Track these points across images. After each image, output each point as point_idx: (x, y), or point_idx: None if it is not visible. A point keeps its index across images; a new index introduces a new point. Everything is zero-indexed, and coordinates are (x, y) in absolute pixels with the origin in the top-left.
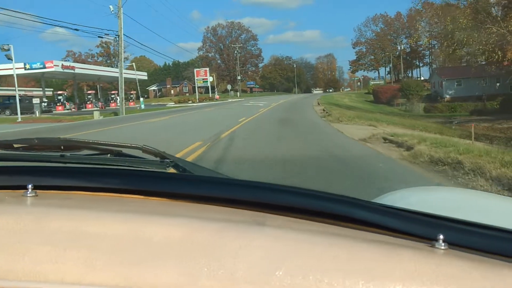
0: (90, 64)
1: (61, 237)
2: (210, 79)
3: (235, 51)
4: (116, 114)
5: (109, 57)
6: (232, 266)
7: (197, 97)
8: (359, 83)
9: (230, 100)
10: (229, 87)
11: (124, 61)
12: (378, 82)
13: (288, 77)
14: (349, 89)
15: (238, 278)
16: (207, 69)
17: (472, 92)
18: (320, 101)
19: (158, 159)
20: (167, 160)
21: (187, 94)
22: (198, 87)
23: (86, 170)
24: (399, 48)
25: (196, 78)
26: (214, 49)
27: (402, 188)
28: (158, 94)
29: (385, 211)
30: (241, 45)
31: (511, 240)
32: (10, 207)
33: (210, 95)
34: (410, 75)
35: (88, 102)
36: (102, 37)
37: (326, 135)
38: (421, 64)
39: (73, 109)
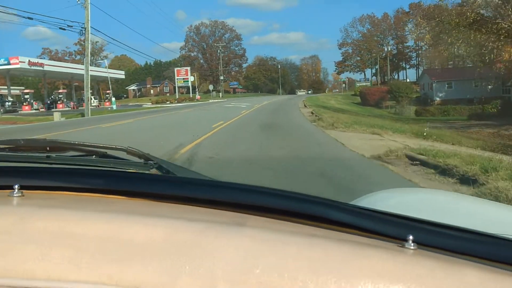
0: (68, 62)
1: (47, 237)
2: (191, 78)
3: (218, 51)
4: (83, 115)
5: None
6: (211, 265)
7: (176, 97)
8: (344, 85)
9: (212, 100)
10: (211, 87)
11: (103, 59)
12: (364, 84)
13: (272, 78)
14: (337, 90)
15: (217, 276)
16: (188, 68)
17: (463, 95)
18: (306, 103)
19: (142, 160)
20: (151, 161)
21: (168, 94)
22: (179, 87)
23: (71, 171)
24: (385, 49)
25: (176, 77)
26: (197, 48)
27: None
28: (137, 94)
29: (359, 212)
30: (225, 44)
31: (476, 240)
32: None
33: (191, 96)
34: (396, 77)
35: (59, 102)
36: (64, 29)
37: (322, 149)
38: (407, 66)
39: (41, 109)
